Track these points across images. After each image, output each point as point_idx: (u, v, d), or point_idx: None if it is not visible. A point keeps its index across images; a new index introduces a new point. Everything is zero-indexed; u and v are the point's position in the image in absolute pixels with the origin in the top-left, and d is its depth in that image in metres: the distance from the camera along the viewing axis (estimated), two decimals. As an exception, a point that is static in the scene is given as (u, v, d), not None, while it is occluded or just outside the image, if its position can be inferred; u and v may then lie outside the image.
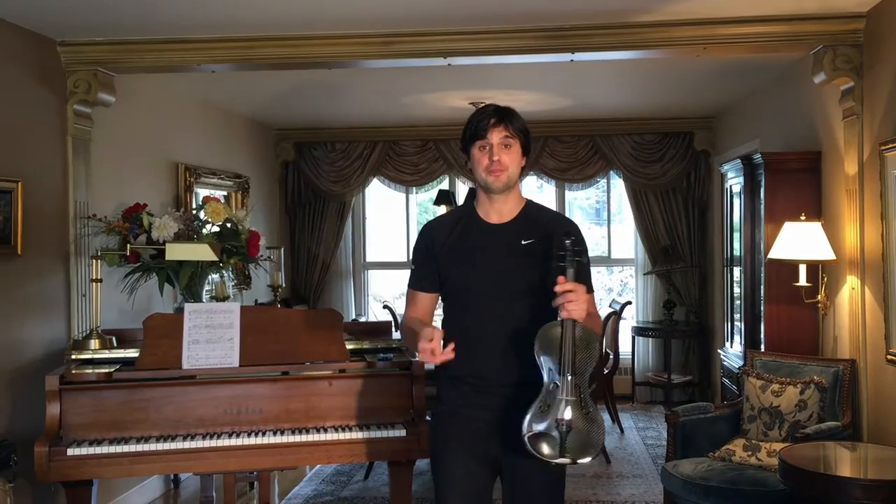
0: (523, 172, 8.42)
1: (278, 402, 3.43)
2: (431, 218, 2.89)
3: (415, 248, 2.63)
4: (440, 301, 2.63)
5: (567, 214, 8.06)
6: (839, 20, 3.96)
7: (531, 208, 2.55)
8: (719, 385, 5.89)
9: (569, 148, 7.57)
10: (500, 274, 2.42)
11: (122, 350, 3.64)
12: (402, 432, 3.36)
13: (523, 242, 2.44)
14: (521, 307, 2.40)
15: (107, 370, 3.44)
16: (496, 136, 2.43)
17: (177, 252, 3.79)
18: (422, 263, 2.58)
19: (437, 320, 2.70)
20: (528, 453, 2.27)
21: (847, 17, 3.95)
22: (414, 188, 7.99)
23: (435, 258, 2.53)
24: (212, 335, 3.43)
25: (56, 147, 4.26)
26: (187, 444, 3.29)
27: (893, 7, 3.67)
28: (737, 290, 5.36)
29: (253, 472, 3.68)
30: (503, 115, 2.45)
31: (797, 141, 4.91)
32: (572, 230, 2.45)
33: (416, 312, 2.58)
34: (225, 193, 6.41)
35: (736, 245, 5.36)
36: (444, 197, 7.22)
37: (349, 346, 3.58)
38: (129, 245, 3.86)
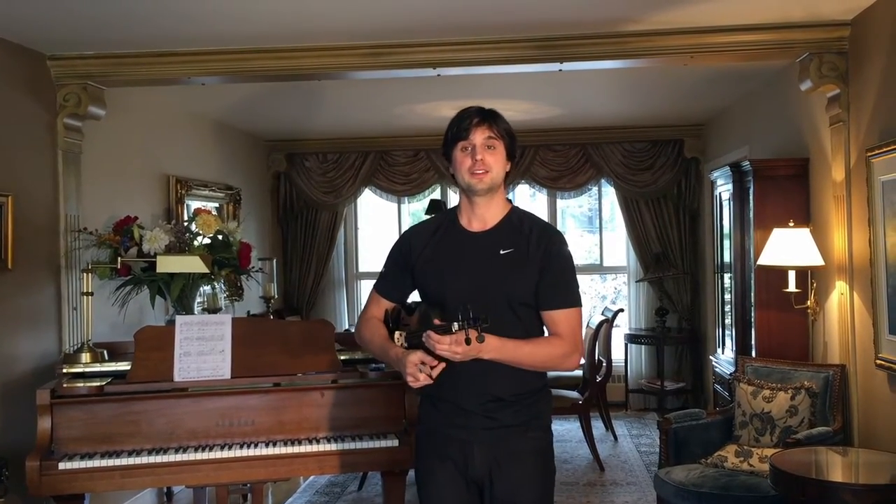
0: (514, 181, 8.36)
1: (270, 414, 3.42)
2: None
3: (390, 253, 2.54)
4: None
5: (559, 222, 8.11)
6: (824, 28, 4.00)
7: (515, 215, 2.44)
8: (712, 391, 5.91)
9: (560, 156, 7.60)
10: (478, 284, 2.31)
11: (113, 363, 3.63)
12: (395, 442, 3.35)
13: (502, 252, 2.34)
14: (499, 320, 2.22)
15: (98, 383, 3.44)
16: (479, 136, 2.33)
17: (168, 264, 3.79)
18: (393, 271, 2.51)
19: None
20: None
21: (832, 25, 3.99)
22: (406, 198, 8.01)
23: (410, 268, 2.46)
24: (203, 347, 3.43)
25: (46, 161, 4.26)
26: (179, 457, 3.29)
27: (878, 15, 3.70)
28: (727, 296, 5.38)
29: (246, 484, 3.68)
30: (486, 115, 2.36)
31: (785, 148, 4.95)
32: (555, 238, 2.39)
33: (379, 313, 2.53)
34: (217, 205, 6.41)
35: (726, 252, 5.38)
36: (436, 206, 7.24)
37: (341, 357, 3.58)
38: (120, 258, 3.86)
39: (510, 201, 2.52)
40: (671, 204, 7.52)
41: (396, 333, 2.40)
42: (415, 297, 2.56)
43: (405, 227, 8.15)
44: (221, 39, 4.12)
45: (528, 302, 2.35)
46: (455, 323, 2.13)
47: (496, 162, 2.35)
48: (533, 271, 2.34)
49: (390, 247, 2.56)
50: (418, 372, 2.23)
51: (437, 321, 2.19)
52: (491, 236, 2.39)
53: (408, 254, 2.47)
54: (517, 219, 2.43)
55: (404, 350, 2.32)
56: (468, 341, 2.12)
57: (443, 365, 2.23)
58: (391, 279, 2.53)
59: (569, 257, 2.41)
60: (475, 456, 2.36)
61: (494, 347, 2.21)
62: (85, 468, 3.22)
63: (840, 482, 3.18)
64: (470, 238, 2.41)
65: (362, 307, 2.66)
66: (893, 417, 3.58)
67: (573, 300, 2.38)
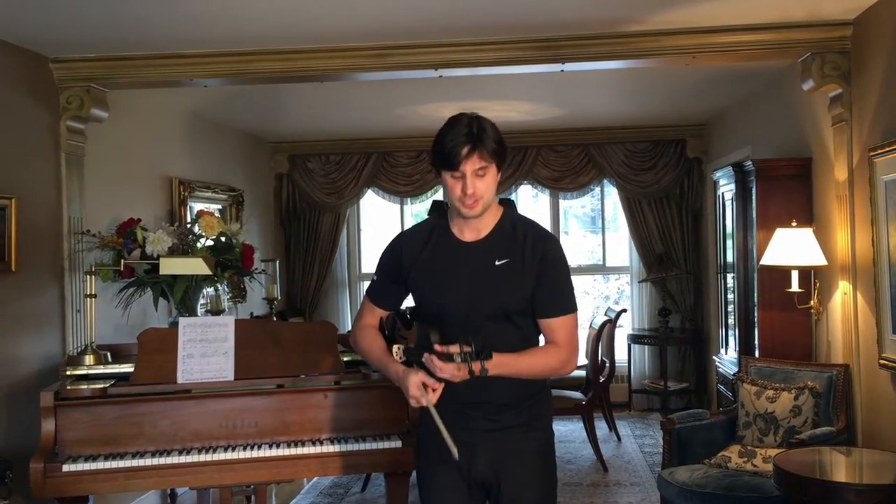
0: (517, 181, 8.29)
1: (274, 415, 3.43)
2: None
3: (381, 260, 2.51)
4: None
5: (561, 223, 8.10)
6: (826, 28, 4.00)
7: (508, 220, 2.39)
8: (715, 391, 5.90)
9: (562, 157, 7.60)
10: (473, 296, 2.30)
11: (116, 365, 3.63)
12: (398, 443, 3.36)
13: (497, 263, 2.31)
14: (497, 330, 2.27)
15: (102, 385, 3.44)
16: (469, 167, 2.23)
17: (171, 266, 3.79)
18: (386, 279, 2.49)
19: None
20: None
21: (834, 25, 3.98)
22: (408, 199, 8.02)
23: (403, 274, 2.43)
24: (206, 349, 3.44)
25: (49, 163, 4.27)
26: (183, 459, 3.29)
27: (880, 14, 3.70)
28: (730, 296, 5.38)
29: (249, 486, 3.69)
30: (476, 142, 2.23)
31: (787, 147, 4.94)
32: (550, 244, 2.37)
33: (374, 321, 2.54)
34: (219, 207, 6.42)
35: (729, 252, 5.38)
36: (439, 207, 7.22)
37: (344, 358, 3.58)
38: (123, 260, 3.86)
39: (509, 201, 2.50)
40: (674, 204, 7.52)
41: (395, 347, 2.40)
42: (409, 302, 2.55)
43: (407, 228, 8.15)
44: (224, 41, 4.12)
45: (524, 311, 2.35)
46: (457, 355, 2.13)
47: (487, 187, 2.28)
48: (529, 279, 2.33)
49: (383, 251, 2.53)
50: (420, 395, 2.24)
51: (437, 347, 2.18)
52: (485, 245, 2.36)
53: (399, 260, 2.44)
54: (510, 225, 2.39)
55: (405, 369, 2.31)
56: (471, 372, 2.14)
57: (442, 385, 2.25)
58: (384, 287, 2.51)
59: (564, 262, 2.41)
60: (478, 458, 2.37)
61: (493, 365, 2.20)
62: (89, 470, 3.23)
63: (844, 482, 3.18)
64: (464, 248, 2.37)
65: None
66: (897, 417, 3.58)
67: (569, 307, 2.38)
